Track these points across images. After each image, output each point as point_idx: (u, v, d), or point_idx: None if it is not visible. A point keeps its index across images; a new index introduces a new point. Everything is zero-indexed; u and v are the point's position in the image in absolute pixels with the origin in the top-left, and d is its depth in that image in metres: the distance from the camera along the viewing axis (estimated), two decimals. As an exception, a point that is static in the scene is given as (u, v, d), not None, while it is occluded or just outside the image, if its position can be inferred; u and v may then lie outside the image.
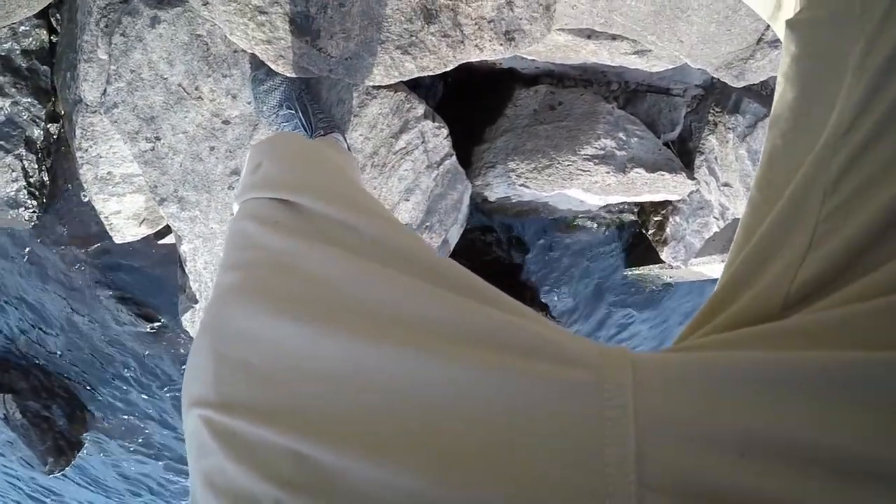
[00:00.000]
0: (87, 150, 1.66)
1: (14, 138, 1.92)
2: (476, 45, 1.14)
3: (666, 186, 1.78)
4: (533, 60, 1.53)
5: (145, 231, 1.92)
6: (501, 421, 0.34)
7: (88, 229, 2.17)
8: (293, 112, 1.16)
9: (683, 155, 2.04)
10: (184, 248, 1.52)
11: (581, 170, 1.66)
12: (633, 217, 2.12)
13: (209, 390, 0.41)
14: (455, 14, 1.09)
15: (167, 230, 1.99)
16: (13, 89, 1.83)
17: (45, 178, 2.09)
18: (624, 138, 1.81)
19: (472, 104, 1.58)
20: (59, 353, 2.39)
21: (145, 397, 2.45)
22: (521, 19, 1.14)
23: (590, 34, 1.40)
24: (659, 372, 0.33)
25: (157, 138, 1.32)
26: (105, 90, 1.31)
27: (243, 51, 1.22)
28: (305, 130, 1.16)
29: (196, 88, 1.26)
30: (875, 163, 0.34)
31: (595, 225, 2.12)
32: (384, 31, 1.06)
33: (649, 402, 0.32)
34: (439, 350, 0.37)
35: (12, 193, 1.98)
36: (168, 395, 2.43)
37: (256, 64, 1.21)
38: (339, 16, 1.01)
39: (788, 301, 0.36)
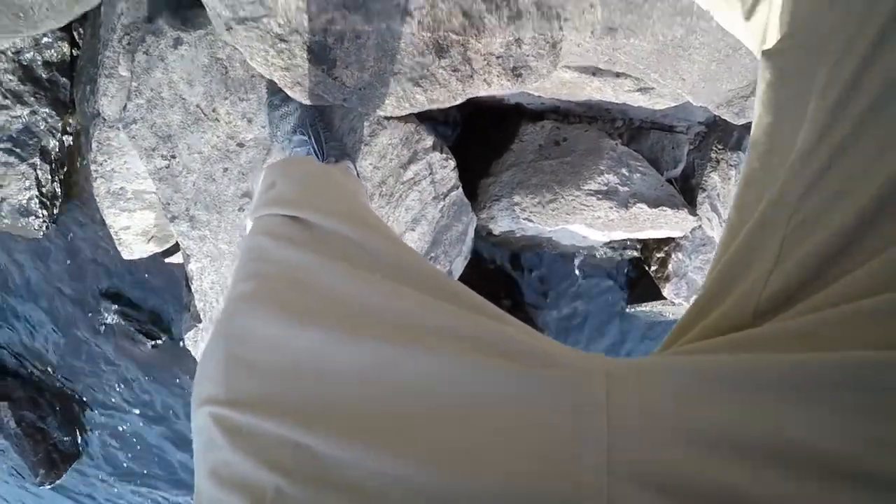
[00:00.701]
0: (101, 164, 1.69)
1: (30, 147, 1.95)
2: (484, 80, 1.18)
3: (668, 222, 1.80)
4: (539, 96, 1.58)
5: (153, 248, 1.94)
6: (489, 415, 0.37)
7: (96, 244, 2.19)
8: (306, 138, 1.19)
9: (686, 192, 2.06)
10: (191, 267, 1.54)
11: (584, 205, 1.68)
12: (635, 253, 2.14)
13: (220, 389, 0.44)
14: (465, 49, 1.13)
15: (174, 249, 2.01)
16: (32, 98, 1.87)
17: (58, 190, 2.12)
18: (627, 174, 1.84)
19: (478, 137, 1.62)
20: (57, 365, 2.39)
21: (139, 413, 2.44)
22: (528, 56, 1.18)
23: (594, 71, 1.44)
24: (632, 373, 0.36)
25: (173, 156, 1.35)
26: (125, 106, 1.35)
27: (260, 76, 1.27)
28: (317, 156, 1.20)
29: (213, 110, 1.30)
30: (837, 180, 0.36)
31: (598, 261, 2.13)
32: (397, 63, 1.10)
33: (621, 399, 0.34)
34: (435, 352, 0.40)
35: (24, 202, 2.01)
36: (163, 412, 2.42)
37: (273, 90, 1.26)
38: (356, 47, 1.05)
39: (758, 311, 0.38)
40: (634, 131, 2.03)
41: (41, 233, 2.13)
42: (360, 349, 0.42)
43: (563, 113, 1.68)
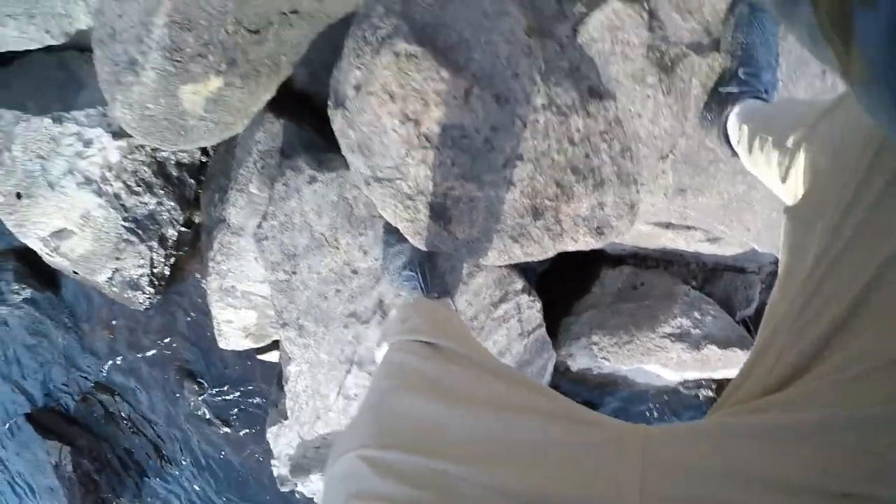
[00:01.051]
0: (219, 263, 1.93)
1: (151, 232, 2.19)
2: (572, 238, 1.33)
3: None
4: (619, 243, 1.71)
5: (249, 344, 2.12)
6: (561, 454, 0.55)
7: (191, 327, 2.40)
8: (414, 274, 1.37)
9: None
10: (290, 369, 1.71)
11: (658, 346, 1.75)
12: (710, 393, 2.13)
13: (371, 439, 0.61)
14: (557, 213, 1.29)
15: (268, 348, 2.19)
16: (161, 191, 2.12)
17: (166, 272, 2.37)
18: (699, 317, 1.91)
19: (562, 277, 1.75)
20: (128, 428, 2.54)
21: (198, 491, 2.52)
22: (609, 216, 1.33)
23: (668, 225, 1.57)
24: (664, 432, 0.54)
25: (294, 273, 1.56)
26: (260, 224, 1.59)
27: (379, 217, 1.47)
28: (422, 291, 1.36)
29: (335, 239, 1.51)
30: (822, 298, 0.51)
31: (672, 399, 2.14)
32: (501, 222, 1.27)
33: (653, 448, 0.51)
34: (526, 416, 0.61)
35: (136, 277, 2.24)
36: (218, 499, 2.50)
37: (389, 230, 1.46)
38: (468, 209, 1.23)
39: (767, 390, 0.53)
40: (708, 273, 2.11)
41: (143, 307, 2.30)
42: (477, 412, 0.63)
43: (641, 257, 1.81)
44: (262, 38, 1.30)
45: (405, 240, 1.39)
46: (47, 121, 1.83)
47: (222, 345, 2.11)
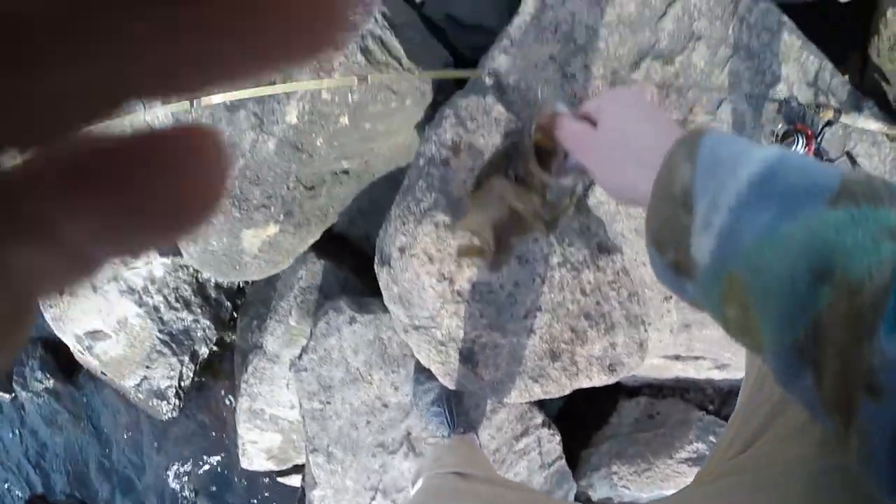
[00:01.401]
0: (251, 385, 2.03)
1: (184, 346, 2.26)
2: (587, 376, 1.44)
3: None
4: (634, 376, 1.82)
5: (271, 466, 2.18)
6: None
7: (212, 442, 2.44)
8: (441, 410, 1.48)
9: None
10: (315, 493, 1.76)
11: (676, 472, 1.80)
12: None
13: None
14: (573, 354, 1.41)
15: (289, 471, 2.24)
16: (198, 309, 2.23)
17: (192, 388, 2.43)
18: (713, 440, 1.96)
19: (581, 409, 1.85)
20: None
21: None
22: (621, 355, 1.45)
23: (677, 357, 1.68)
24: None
25: (328, 403, 1.67)
26: (301, 356, 1.71)
27: (410, 356, 1.61)
28: (448, 426, 1.47)
29: (369, 374, 1.63)
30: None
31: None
32: (522, 365, 1.39)
33: None
34: None
35: (163, 387, 2.30)
36: None
37: (419, 369, 1.58)
38: (494, 354, 1.36)
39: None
40: (724, 396, 2.18)
41: (166, 416, 2.35)
42: None
43: (656, 387, 1.90)
44: (316, 194, 1.50)
45: (435, 378, 1.52)
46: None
47: (244, 464, 2.16)
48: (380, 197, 1.68)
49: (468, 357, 1.36)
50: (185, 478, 2.46)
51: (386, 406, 1.62)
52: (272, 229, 1.49)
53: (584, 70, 1.32)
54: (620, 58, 1.31)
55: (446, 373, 1.38)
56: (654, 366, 1.69)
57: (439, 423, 1.47)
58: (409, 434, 1.66)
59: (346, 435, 1.68)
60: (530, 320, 1.34)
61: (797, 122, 1.19)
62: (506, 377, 1.38)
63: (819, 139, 1.21)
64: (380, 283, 1.38)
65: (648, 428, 1.75)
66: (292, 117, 1.27)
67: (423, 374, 1.53)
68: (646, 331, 1.46)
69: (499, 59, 1.32)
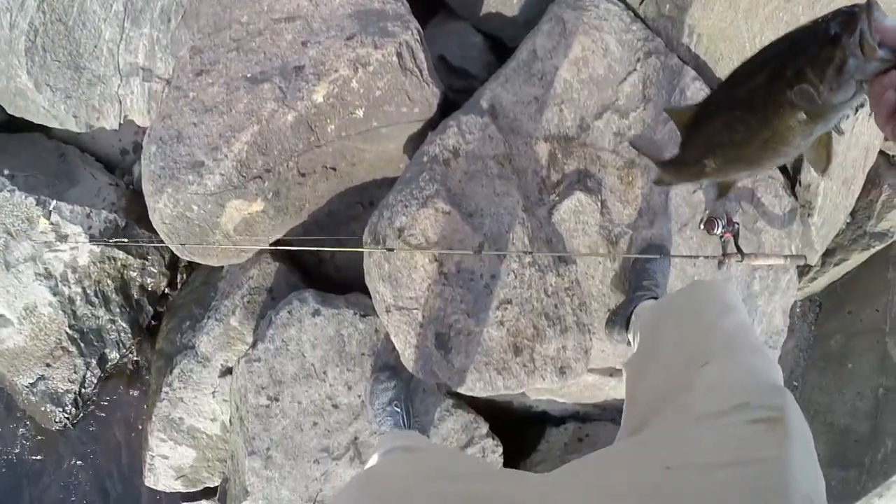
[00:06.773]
0: (175, 390, 1.83)
1: (94, 347, 2.00)
2: (541, 375, 1.57)
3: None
4: (563, 403, 1.96)
5: (178, 487, 1.94)
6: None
7: (110, 458, 2.11)
8: (399, 411, 1.51)
9: None
10: (243, 506, 1.62)
11: None
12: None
13: None
14: (532, 351, 1.55)
15: (197, 496, 2.02)
16: (117, 309, 2.00)
17: (94, 397, 2.06)
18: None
19: (511, 440, 1.93)
20: None
21: None
22: (570, 359, 1.60)
23: (612, 373, 1.86)
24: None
25: (276, 399, 1.60)
26: (255, 344, 1.64)
27: (369, 355, 1.63)
28: (404, 425, 1.50)
29: (324, 372, 1.62)
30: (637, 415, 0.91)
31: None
32: (487, 356, 1.50)
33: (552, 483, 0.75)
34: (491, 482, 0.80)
35: (61, 391, 2.00)
36: None
37: (379, 367, 1.61)
38: (466, 341, 1.46)
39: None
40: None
41: (57, 427, 2.04)
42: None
43: (582, 417, 2.05)
44: (305, 182, 1.57)
45: (395, 378, 1.56)
46: (31, 200, 1.79)
47: (148, 482, 1.92)
48: (338, 211, 1.75)
49: (442, 342, 1.45)
50: (72, 498, 2.06)
51: (336, 407, 1.59)
52: (257, 205, 1.52)
53: (559, 112, 1.61)
54: (587, 108, 1.63)
55: (419, 357, 1.44)
56: (588, 385, 1.86)
57: (393, 424, 1.49)
58: (356, 438, 1.64)
59: (289, 437, 1.60)
60: (501, 311, 1.48)
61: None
62: (473, 366, 1.48)
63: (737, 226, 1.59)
64: (365, 265, 1.46)
65: (579, 449, 1.86)
66: (319, 97, 1.39)
67: (384, 372, 1.57)
68: (590, 339, 1.65)
69: (495, 90, 1.58)
